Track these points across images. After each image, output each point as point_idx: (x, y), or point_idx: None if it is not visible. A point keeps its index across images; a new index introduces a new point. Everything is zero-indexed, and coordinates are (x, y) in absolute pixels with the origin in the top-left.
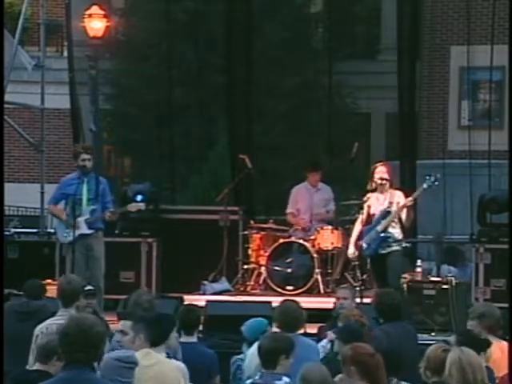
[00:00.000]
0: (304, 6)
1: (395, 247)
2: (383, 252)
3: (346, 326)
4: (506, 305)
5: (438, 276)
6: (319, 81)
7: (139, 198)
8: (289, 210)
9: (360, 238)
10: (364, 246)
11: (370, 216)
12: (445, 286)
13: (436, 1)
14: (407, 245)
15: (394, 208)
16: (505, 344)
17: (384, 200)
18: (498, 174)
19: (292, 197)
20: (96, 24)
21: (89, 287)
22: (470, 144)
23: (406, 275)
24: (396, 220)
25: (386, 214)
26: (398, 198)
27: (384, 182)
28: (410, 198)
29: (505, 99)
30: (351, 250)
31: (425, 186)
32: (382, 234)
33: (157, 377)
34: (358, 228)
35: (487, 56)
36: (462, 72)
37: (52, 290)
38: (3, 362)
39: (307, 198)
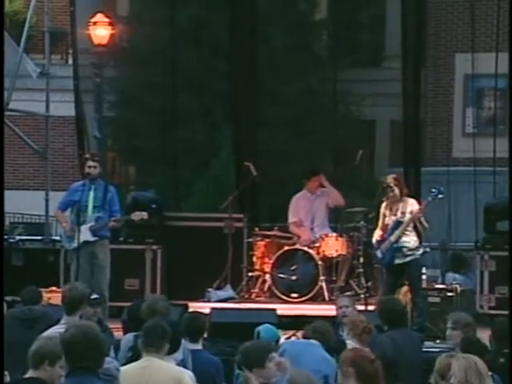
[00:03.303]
0: (308, 13)
1: (411, 256)
2: (399, 262)
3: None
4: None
5: (442, 283)
6: (323, 88)
7: (154, 206)
8: (291, 220)
9: (379, 245)
10: (379, 256)
11: (385, 225)
12: (450, 294)
13: (440, 8)
14: (426, 250)
15: (406, 218)
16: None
17: (396, 210)
18: (502, 181)
19: (292, 206)
20: (101, 32)
21: (94, 296)
22: (475, 151)
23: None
24: (410, 229)
25: (397, 224)
26: (411, 206)
27: (391, 193)
28: (418, 210)
29: None
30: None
31: (429, 198)
32: (395, 245)
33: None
34: (378, 233)
35: (492, 63)
36: (467, 79)
37: (56, 298)
38: (3, 367)
39: (307, 205)
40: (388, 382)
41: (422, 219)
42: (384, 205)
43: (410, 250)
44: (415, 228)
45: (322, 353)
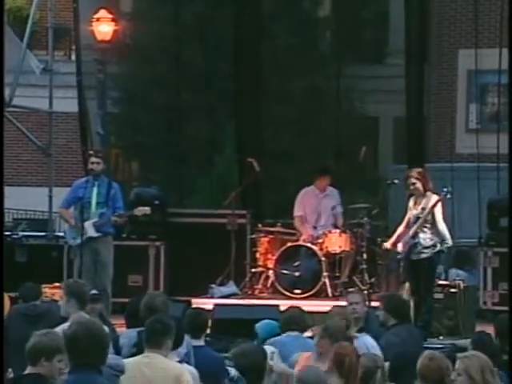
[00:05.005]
0: (312, 10)
1: (425, 254)
2: (415, 258)
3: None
4: None
5: (446, 280)
6: (328, 86)
7: (157, 202)
8: (297, 213)
9: (398, 239)
10: (399, 250)
11: (408, 219)
12: (453, 290)
13: (444, 4)
14: (443, 249)
15: (425, 213)
16: None
17: (418, 205)
18: (506, 178)
19: (299, 200)
20: (104, 28)
21: (93, 291)
22: (478, 147)
23: None
24: (428, 225)
25: (416, 219)
26: (433, 202)
27: (411, 187)
28: (435, 202)
29: None
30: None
31: (441, 195)
32: (412, 240)
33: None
34: (400, 230)
35: (495, 59)
36: (470, 75)
37: (60, 294)
38: (7, 364)
39: (314, 203)
40: (406, 381)
41: (439, 212)
42: (412, 198)
43: (425, 247)
44: (434, 226)
45: (307, 342)
